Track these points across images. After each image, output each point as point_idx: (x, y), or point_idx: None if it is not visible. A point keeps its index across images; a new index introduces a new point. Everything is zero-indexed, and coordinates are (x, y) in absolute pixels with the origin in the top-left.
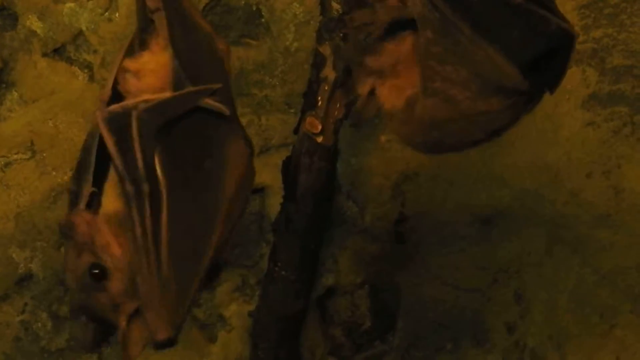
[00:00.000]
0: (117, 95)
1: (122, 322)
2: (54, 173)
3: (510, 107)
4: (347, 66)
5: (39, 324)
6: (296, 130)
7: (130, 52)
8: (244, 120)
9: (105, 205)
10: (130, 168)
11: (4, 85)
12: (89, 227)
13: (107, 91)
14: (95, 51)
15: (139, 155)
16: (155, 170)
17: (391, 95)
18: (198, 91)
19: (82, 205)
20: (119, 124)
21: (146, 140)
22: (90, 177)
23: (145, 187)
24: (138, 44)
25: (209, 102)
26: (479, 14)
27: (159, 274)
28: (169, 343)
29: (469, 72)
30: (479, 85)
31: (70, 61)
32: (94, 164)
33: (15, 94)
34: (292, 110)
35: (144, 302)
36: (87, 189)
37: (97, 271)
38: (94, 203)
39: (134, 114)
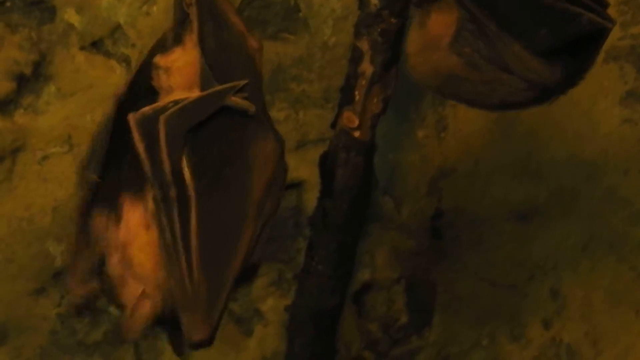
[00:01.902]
0: (150, 91)
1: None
2: None
3: (532, 91)
4: (384, 61)
5: (76, 318)
6: (333, 125)
7: (163, 47)
8: (281, 115)
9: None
10: (158, 173)
11: (41, 79)
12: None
13: (122, 86)
14: (133, 45)
15: (165, 161)
16: (182, 174)
17: (425, 26)
18: (224, 90)
19: (85, 193)
20: (149, 128)
21: (173, 144)
22: (97, 167)
23: (173, 192)
24: (172, 38)
25: (235, 100)
26: (506, 11)
27: (191, 277)
28: (205, 343)
29: (498, 55)
30: (506, 66)
31: (108, 55)
32: (102, 155)
33: (53, 88)
34: (329, 105)
35: (178, 306)
36: (92, 177)
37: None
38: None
39: (162, 118)
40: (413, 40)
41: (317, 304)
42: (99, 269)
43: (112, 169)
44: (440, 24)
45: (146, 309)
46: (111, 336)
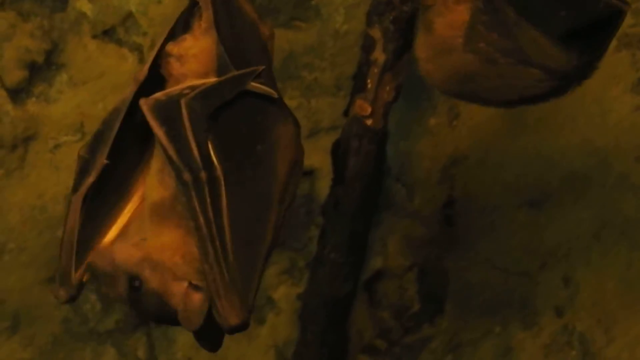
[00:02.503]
0: (156, 78)
1: (179, 305)
2: None
3: (550, 81)
4: (396, 49)
5: (88, 306)
6: (346, 113)
7: (173, 35)
8: (293, 103)
9: (149, 195)
10: (185, 157)
11: (53, 67)
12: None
13: (144, 71)
14: (144, 33)
15: (193, 144)
16: (210, 157)
17: (433, 28)
18: (243, 74)
19: (92, 176)
20: (167, 113)
21: (198, 127)
22: (106, 150)
23: (204, 175)
24: (182, 26)
25: (256, 85)
26: None
27: (225, 260)
28: (242, 327)
29: (514, 45)
30: (523, 56)
31: (120, 43)
32: (112, 139)
33: (65, 76)
34: (341, 93)
35: (212, 290)
36: (101, 160)
37: (136, 284)
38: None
39: (183, 102)
40: (422, 46)
41: (330, 292)
42: (133, 294)
43: (121, 154)
44: (448, 26)
45: (197, 298)
46: (123, 325)
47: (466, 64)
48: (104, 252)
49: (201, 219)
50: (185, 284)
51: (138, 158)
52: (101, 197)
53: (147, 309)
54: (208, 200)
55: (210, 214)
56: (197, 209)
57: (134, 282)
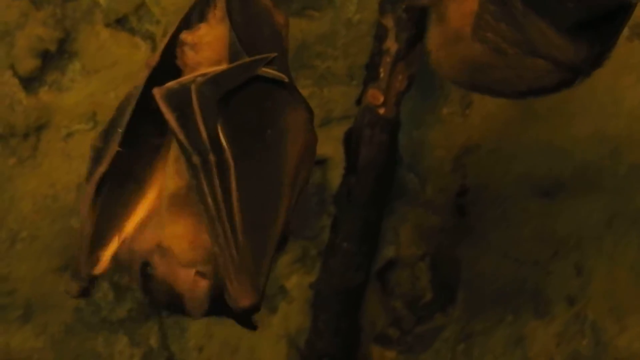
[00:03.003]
0: (172, 69)
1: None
2: None
3: (559, 73)
4: (409, 38)
5: (100, 294)
6: (358, 102)
7: (187, 24)
8: (305, 92)
9: (167, 185)
10: (194, 141)
11: (66, 56)
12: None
13: (156, 57)
14: (157, 22)
15: (202, 128)
16: (219, 141)
17: (447, 17)
18: (254, 61)
19: (105, 165)
20: (178, 100)
21: (207, 112)
22: (119, 138)
23: (212, 158)
24: (196, 15)
25: (267, 70)
26: None
27: (236, 242)
28: (254, 309)
29: (522, 36)
30: (531, 47)
31: (132, 32)
32: (125, 126)
33: (78, 65)
34: (354, 83)
35: (222, 272)
36: (114, 148)
37: (148, 270)
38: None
39: (193, 87)
40: (433, 36)
41: (342, 281)
42: (144, 280)
43: (136, 142)
44: (459, 15)
45: (203, 285)
46: (135, 313)
47: (475, 54)
48: (123, 242)
49: (210, 201)
50: (193, 271)
51: (155, 147)
52: (116, 186)
53: (156, 295)
54: (217, 182)
55: (219, 196)
56: (206, 191)
57: (145, 269)
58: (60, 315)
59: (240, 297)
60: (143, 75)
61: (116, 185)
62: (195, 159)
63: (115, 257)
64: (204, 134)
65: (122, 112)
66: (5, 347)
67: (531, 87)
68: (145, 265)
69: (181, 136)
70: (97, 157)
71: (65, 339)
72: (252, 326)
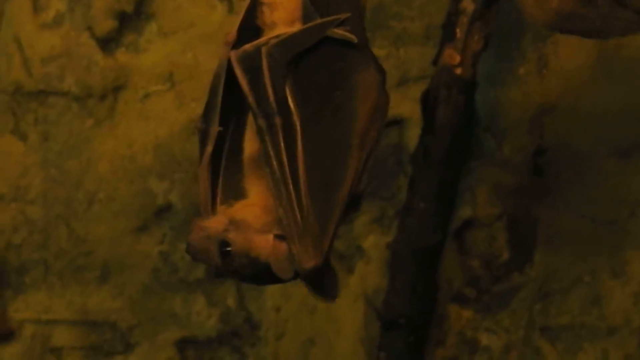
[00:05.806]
0: (254, 29)
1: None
2: (192, 104)
3: None
4: None
5: (178, 255)
6: (435, 63)
7: None
8: (382, 53)
9: (245, 152)
10: (262, 103)
11: (143, 17)
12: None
13: (233, 34)
14: None
15: (269, 90)
16: (287, 103)
17: None
18: (325, 22)
19: (210, 145)
20: (251, 62)
21: (276, 74)
22: (217, 118)
23: (278, 120)
24: None
25: (337, 31)
26: None
27: (300, 204)
28: (317, 270)
29: None
30: None
31: None
32: (219, 105)
33: (155, 26)
34: (430, 43)
35: (287, 235)
36: (214, 128)
37: (226, 249)
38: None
39: (264, 50)
40: None
41: (419, 241)
42: (225, 260)
43: (231, 118)
44: None
45: (284, 247)
46: (213, 274)
47: (566, 5)
48: (197, 230)
49: (275, 164)
50: (271, 236)
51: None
52: (221, 165)
53: (241, 271)
54: (282, 145)
55: (284, 158)
56: (271, 153)
57: (223, 248)
58: (137, 276)
59: (303, 258)
60: (224, 53)
61: (221, 163)
62: (262, 122)
63: (191, 247)
64: (272, 97)
65: (214, 92)
66: (83, 308)
67: (623, 34)
68: (223, 244)
69: (251, 99)
70: (203, 138)
71: (142, 300)
72: (325, 294)
